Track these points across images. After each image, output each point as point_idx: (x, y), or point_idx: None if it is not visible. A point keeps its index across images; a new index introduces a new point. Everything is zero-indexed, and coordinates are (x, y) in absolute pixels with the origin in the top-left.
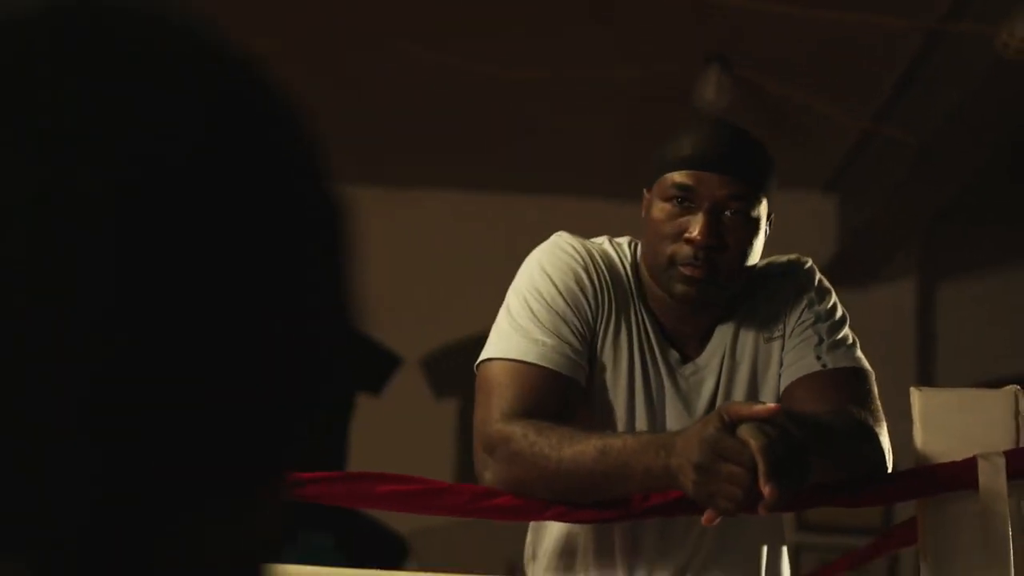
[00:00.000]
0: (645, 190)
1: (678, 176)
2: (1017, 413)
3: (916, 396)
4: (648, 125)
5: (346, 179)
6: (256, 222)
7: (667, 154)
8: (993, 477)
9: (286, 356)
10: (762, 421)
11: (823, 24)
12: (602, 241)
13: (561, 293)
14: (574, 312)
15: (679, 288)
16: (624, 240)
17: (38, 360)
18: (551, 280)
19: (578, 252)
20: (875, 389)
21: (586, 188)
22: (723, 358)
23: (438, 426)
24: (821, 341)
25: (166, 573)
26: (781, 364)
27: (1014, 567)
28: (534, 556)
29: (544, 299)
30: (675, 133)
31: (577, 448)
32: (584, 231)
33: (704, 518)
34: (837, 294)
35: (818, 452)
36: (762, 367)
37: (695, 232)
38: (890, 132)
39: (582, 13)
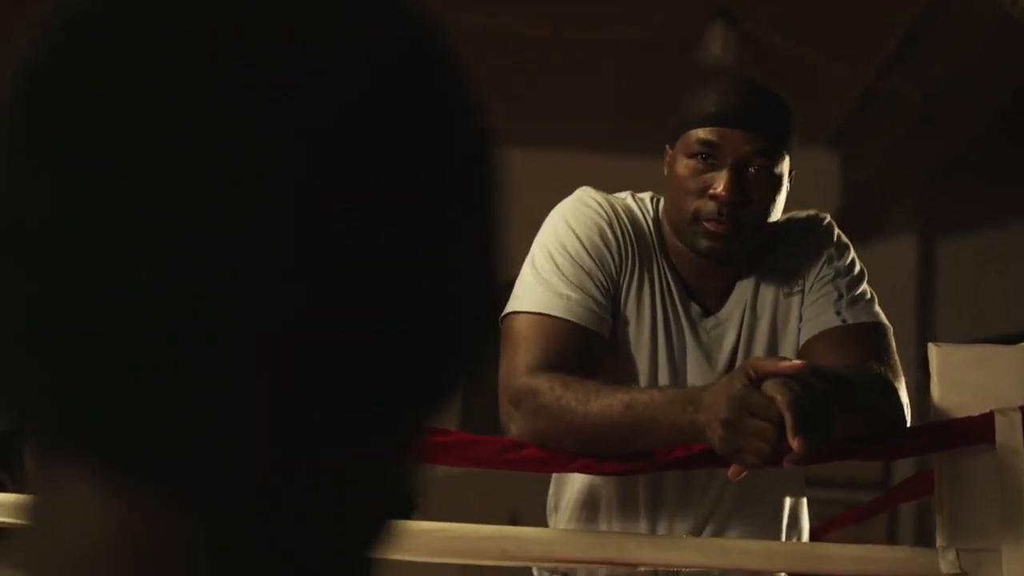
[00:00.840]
0: (668, 146)
1: (702, 132)
2: None
3: (933, 352)
4: (651, 79)
5: None
6: (431, 166)
7: (691, 111)
8: (1010, 432)
9: (455, 303)
10: (787, 377)
11: None
12: (625, 196)
13: (585, 247)
14: (598, 266)
15: (703, 243)
16: (646, 195)
17: (223, 298)
18: (576, 234)
19: (602, 207)
20: (893, 344)
21: (586, 142)
22: (744, 312)
23: None
24: (840, 296)
25: (323, 507)
26: (801, 319)
27: None
28: (556, 507)
29: (569, 253)
30: (698, 90)
31: (604, 402)
32: (585, 185)
33: (730, 472)
34: None
35: (840, 407)
36: (782, 321)
37: (719, 188)
38: (894, 88)
39: None
